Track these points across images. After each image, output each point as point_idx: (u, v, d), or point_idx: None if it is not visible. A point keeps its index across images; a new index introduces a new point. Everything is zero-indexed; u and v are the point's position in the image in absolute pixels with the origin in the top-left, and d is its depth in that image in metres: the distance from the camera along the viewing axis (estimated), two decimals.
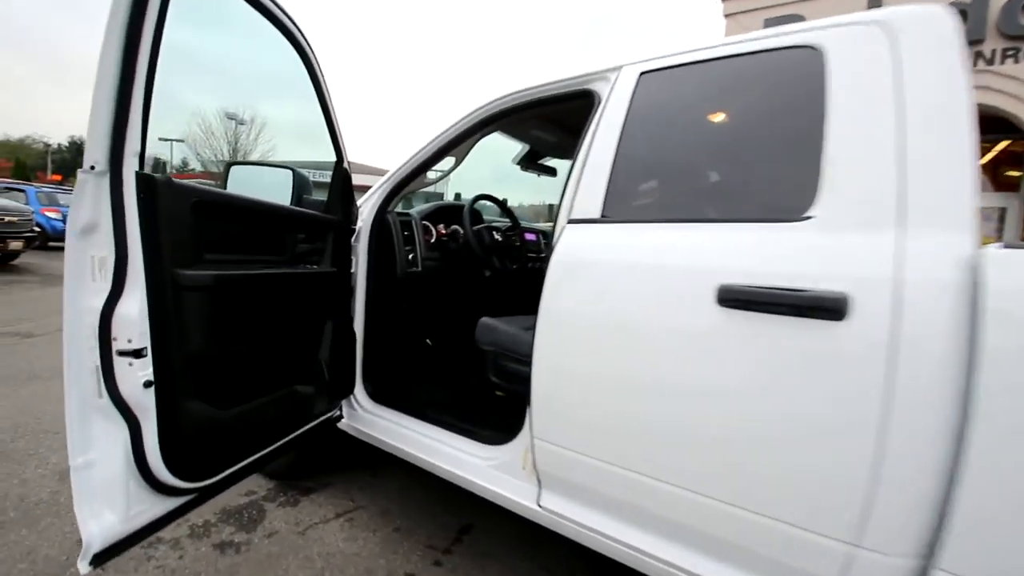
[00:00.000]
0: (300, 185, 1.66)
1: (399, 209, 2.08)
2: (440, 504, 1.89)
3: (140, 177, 0.97)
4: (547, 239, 2.77)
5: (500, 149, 2.37)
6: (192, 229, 1.08)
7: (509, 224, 2.51)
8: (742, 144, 1.14)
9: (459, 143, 1.68)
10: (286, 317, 1.39)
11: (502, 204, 2.46)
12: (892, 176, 0.89)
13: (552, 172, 2.55)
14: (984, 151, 6.73)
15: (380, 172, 1.94)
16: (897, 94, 0.92)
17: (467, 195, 2.52)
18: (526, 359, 1.26)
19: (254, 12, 1.30)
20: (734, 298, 0.95)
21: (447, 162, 1.92)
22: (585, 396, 1.16)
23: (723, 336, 0.97)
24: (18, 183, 11.36)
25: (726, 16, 7.38)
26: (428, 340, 2.37)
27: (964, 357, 0.78)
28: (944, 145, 0.88)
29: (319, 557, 1.59)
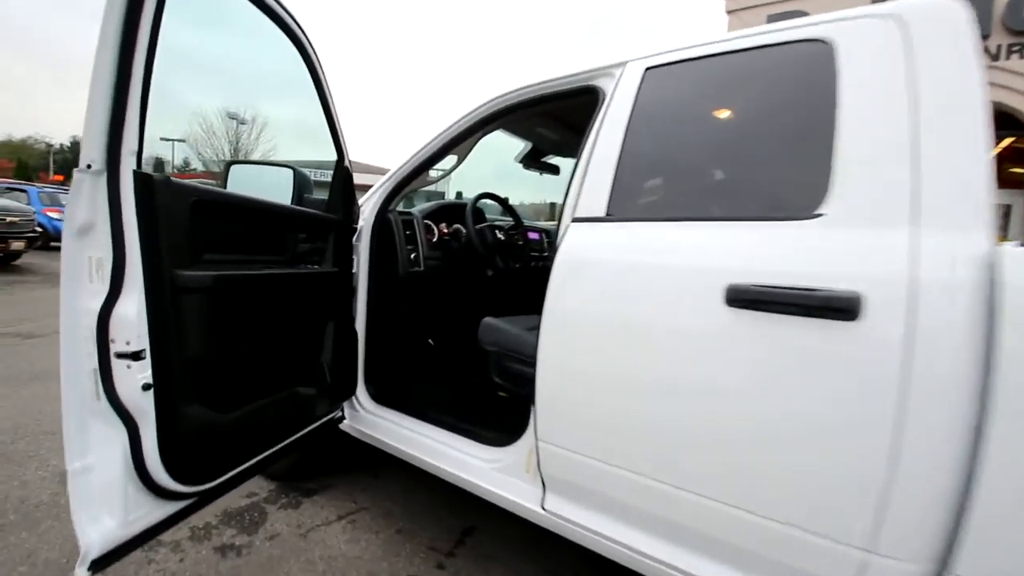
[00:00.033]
0: (301, 184, 1.64)
1: (401, 208, 2.06)
2: (443, 506, 1.87)
3: (138, 176, 0.95)
4: (550, 238, 2.75)
5: (501, 147, 2.35)
6: (191, 229, 1.06)
7: (512, 223, 2.49)
8: (749, 140, 1.12)
9: (461, 141, 1.66)
10: (287, 318, 1.37)
11: (505, 203, 2.44)
12: (905, 172, 0.87)
13: (555, 170, 2.53)
14: None
15: (381, 171, 1.93)
16: (910, 88, 0.90)
17: (468, 194, 2.51)
18: (530, 360, 1.24)
19: (254, 10, 1.28)
20: (743, 298, 0.93)
21: (449, 160, 1.90)
22: (590, 398, 1.14)
23: (731, 337, 0.95)
24: (20, 183, 11.37)
25: (728, 13, 7.35)
26: (430, 340, 2.35)
27: (981, 358, 0.76)
28: (958, 140, 0.85)
29: (321, 560, 1.57)
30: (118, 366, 0.95)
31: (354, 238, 1.71)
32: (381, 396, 1.79)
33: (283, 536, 1.68)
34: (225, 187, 1.60)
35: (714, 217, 1.07)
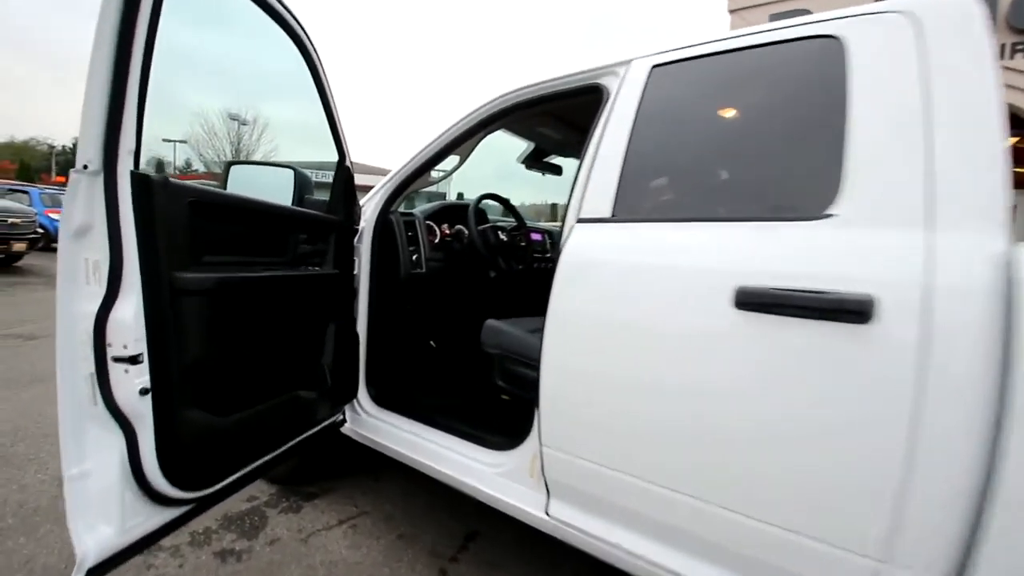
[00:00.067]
0: (302, 185, 1.62)
1: (402, 209, 2.04)
2: (445, 509, 1.85)
3: (136, 177, 0.93)
4: (552, 239, 2.73)
5: (502, 148, 2.33)
6: (190, 230, 1.04)
7: (514, 224, 2.47)
8: (758, 140, 1.10)
9: (463, 141, 1.65)
10: (287, 320, 1.35)
11: (507, 203, 2.42)
12: (919, 172, 0.85)
13: (557, 170, 2.51)
14: None
15: (382, 172, 1.91)
16: (923, 86, 0.88)
17: (469, 194, 2.49)
18: (533, 363, 1.23)
19: (255, 10, 1.27)
20: (752, 300, 0.91)
21: (451, 161, 1.88)
22: (595, 402, 1.12)
23: (739, 340, 0.93)
24: (22, 184, 11.39)
25: (731, 12, 7.32)
26: (432, 342, 2.34)
27: (999, 361, 0.74)
28: (973, 139, 0.83)
29: (322, 566, 1.56)
30: (115, 370, 0.94)
31: (355, 239, 1.69)
32: (383, 399, 1.77)
33: (284, 541, 1.66)
34: (225, 188, 1.59)
35: (722, 218, 1.05)
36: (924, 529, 0.79)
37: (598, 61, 1.34)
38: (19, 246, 7.63)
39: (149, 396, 0.97)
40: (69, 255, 0.92)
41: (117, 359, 0.93)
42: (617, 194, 1.16)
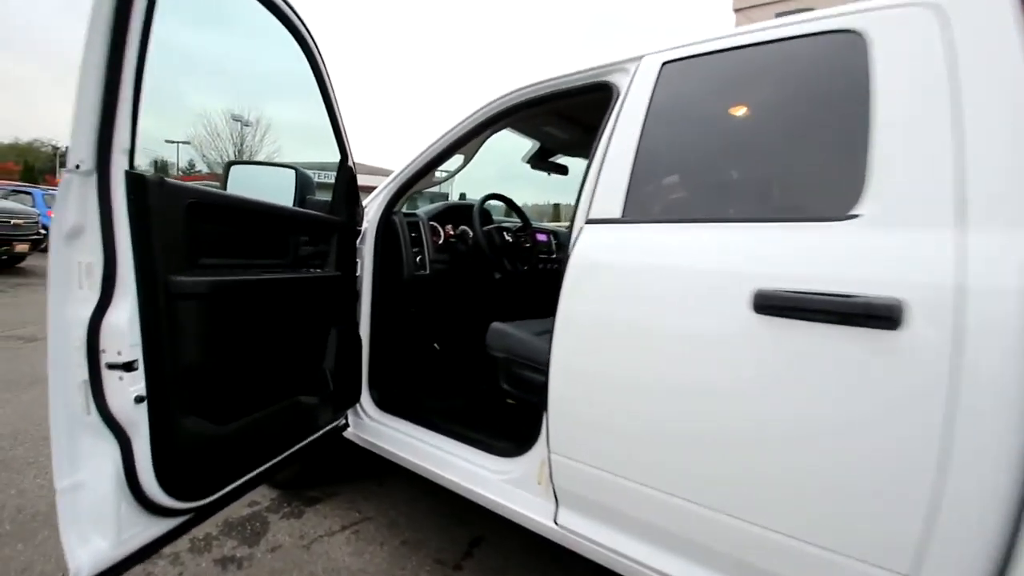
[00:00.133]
0: (303, 185, 1.59)
1: (405, 210, 2.01)
2: (450, 515, 1.82)
3: (130, 176, 0.90)
4: (558, 239, 2.69)
5: (504, 148, 2.30)
6: (187, 232, 1.01)
7: (519, 224, 2.43)
8: (774, 138, 1.06)
9: (468, 140, 1.61)
10: (288, 324, 1.32)
11: (512, 204, 2.39)
12: (948, 170, 0.81)
13: (563, 170, 2.47)
14: None
15: (385, 172, 1.88)
16: (951, 80, 0.84)
17: (472, 195, 2.46)
18: (541, 367, 1.19)
19: (257, 10, 1.24)
20: (771, 304, 0.88)
21: (455, 161, 1.85)
22: (607, 409, 1.08)
23: (758, 345, 0.89)
24: (25, 186, 11.40)
25: (736, 11, 7.27)
26: (436, 345, 2.30)
27: None
28: (1005, 134, 0.79)
29: (324, 573, 1.52)
30: (109, 378, 0.90)
31: (358, 241, 1.66)
32: (386, 403, 1.74)
33: (285, 547, 1.63)
34: (225, 188, 1.56)
35: (737, 219, 1.01)
36: (958, 544, 0.75)
37: (607, 58, 1.30)
38: (22, 247, 7.62)
39: (144, 404, 0.93)
40: (61, 258, 0.89)
41: (111, 366, 0.90)
42: (627, 194, 1.13)
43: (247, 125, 28.97)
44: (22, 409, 2.60)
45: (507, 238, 2.25)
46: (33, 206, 9.00)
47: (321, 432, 1.50)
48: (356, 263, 1.64)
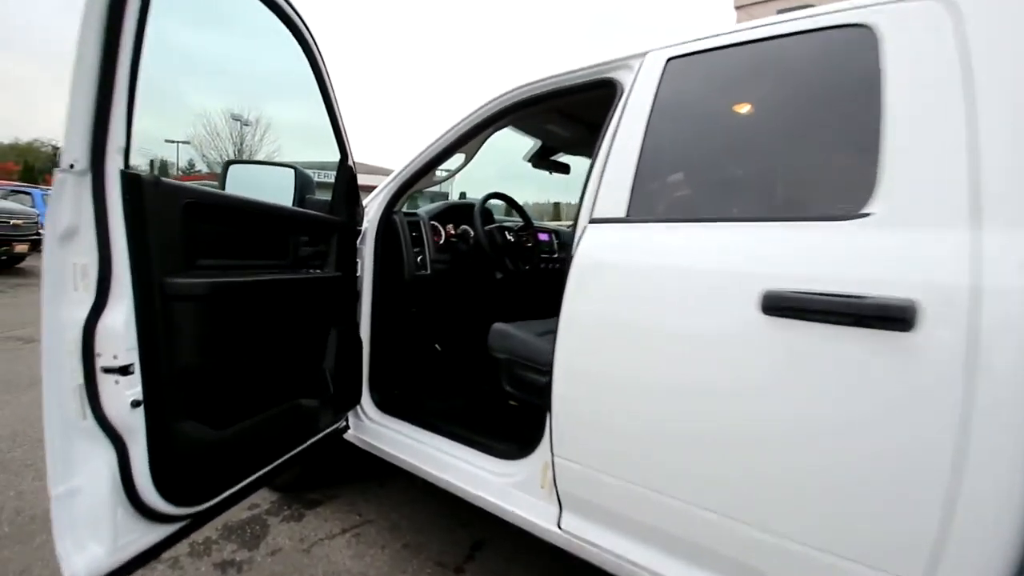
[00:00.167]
0: (303, 185, 1.57)
1: (406, 209, 1.99)
2: (451, 517, 1.80)
3: (125, 176, 0.88)
4: (560, 239, 2.67)
5: (504, 146, 2.28)
6: (184, 233, 0.99)
7: (521, 224, 2.41)
8: (781, 135, 1.04)
9: (469, 139, 1.60)
10: (288, 326, 1.30)
11: (514, 203, 2.37)
12: (962, 167, 0.79)
13: (565, 169, 2.45)
14: None
15: (385, 171, 1.87)
16: (965, 76, 0.82)
17: (472, 194, 2.44)
18: (544, 368, 1.17)
19: (256, 9, 1.22)
20: (781, 305, 0.86)
21: (455, 160, 1.83)
22: (612, 411, 1.07)
23: (767, 346, 0.87)
24: (25, 186, 11.38)
25: (737, 8, 7.24)
26: (437, 346, 2.28)
27: None
28: (1020, 131, 0.77)
29: None
30: (105, 382, 0.88)
31: (358, 241, 1.64)
32: (386, 405, 1.72)
33: (285, 551, 1.62)
34: (223, 188, 1.54)
35: (744, 218, 0.99)
36: (973, 547, 0.73)
37: (610, 55, 1.28)
38: (21, 247, 7.61)
39: (141, 408, 0.91)
40: (55, 259, 0.87)
41: (107, 370, 0.88)
42: (632, 193, 1.11)
43: (247, 124, 28.92)
44: (21, 411, 2.58)
45: (509, 237, 2.23)
46: (32, 206, 8.98)
47: (321, 435, 1.48)
48: (356, 263, 1.62)
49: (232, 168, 1.58)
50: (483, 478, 1.37)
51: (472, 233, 2.16)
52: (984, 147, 0.78)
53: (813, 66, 1.00)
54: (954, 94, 0.82)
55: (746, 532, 0.90)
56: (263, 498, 1.89)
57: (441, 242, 2.10)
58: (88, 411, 0.88)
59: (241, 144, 28.71)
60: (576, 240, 1.15)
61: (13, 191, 9.90)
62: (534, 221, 2.55)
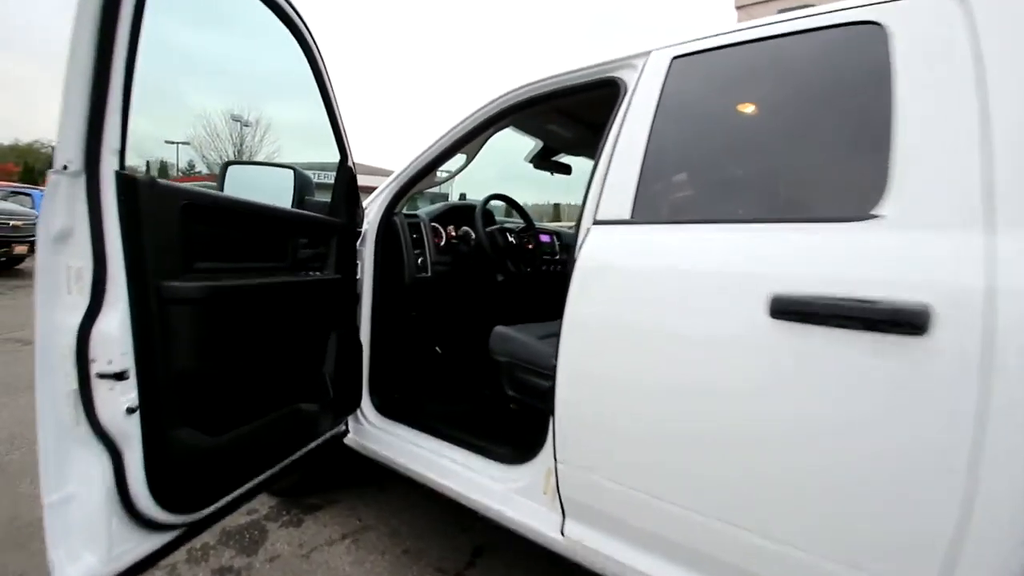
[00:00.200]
0: (302, 186, 1.55)
1: (406, 211, 1.97)
2: (452, 522, 1.78)
3: (120, 178, 0.86)
4: (561, 240, 2.65)
5: (504, 147, 2.26)
6: (181, 235, 0.97)
7: (522, 225, 2.40)
8: (789, 135, 1.02)
9: (471, 139, 1.58)
10: (287, 330, 1.28)
11: (516, 204, 2.35)
12: (975, 167, 0.77)
13: (567, 170, 2.43)
14: None
15: (386, 172, 1.85)
16: (977, 74, 0.80)
17: (471, 195, 2.42)
18: (546, 372, 1.15)
19: (256, 9, 1.20)
20: (790, 309, 0.84)
21: (456, 160, 1.81)
22: (617, 417, 1.05)
23: (775, 351, 0.85)
24: (24, 187, 11.34)
25: (738, 8, 7.23)
26: (438, 349, 2.26)
27: None
28: None
29: None
30: (100, 388, 0.86)
31: (358, 243, 1.62)
32: (387, 408, 1.70)
33: (284, 557, 1.60)
34: (222, 189, 1.52)
35: (752, 219, 0.97)
36: (989, 555, 0.71)
37: (613, 54, 1.27)
38: (20, 249, 7.59)
39: (136, 415, 0.90)
40: (49, 262, 0.85)
41: (101, 375, 0.86)
42: (637, 195, 1.09)
43: (247, 125, 28.89)
44: (19, 413, 2.57)
45: (510, 239, 2.21)
46: (32, 207, 8.97)
47: (321, 439, 1.46)
48: (356, 265, 1.60)
49: (231, 169, 1.56)
50: (484, 484, 1.35)
51: (473, 235, 2.14)
52: (998, 146, 0.76)
53: (822, 64, 0.98)
54: (967, 92, 0.80)
55: (759, 543, 0.88)
56: (262, 503, 1.87)
57: (442, 244, 2.08)
58: (82, 418, 0.86)
59: (241, 145, 28.71)
60: (579, 242, 1.13)
61: (13, 192, 9.88)
62: (538, 223, 2.53)
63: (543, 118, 1.98)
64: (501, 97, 1.45)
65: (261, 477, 1.22)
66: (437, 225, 2.11)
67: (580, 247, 1.12)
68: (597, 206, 1.14)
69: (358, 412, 1.67)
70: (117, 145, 0.86)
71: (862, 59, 0.92)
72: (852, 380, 0.79)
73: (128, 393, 0.88)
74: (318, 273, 1.44)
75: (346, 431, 1.66)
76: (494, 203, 2.31)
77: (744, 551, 0.90)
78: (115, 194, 0.86)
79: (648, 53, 1.18)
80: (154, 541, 0.99)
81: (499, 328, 1.59)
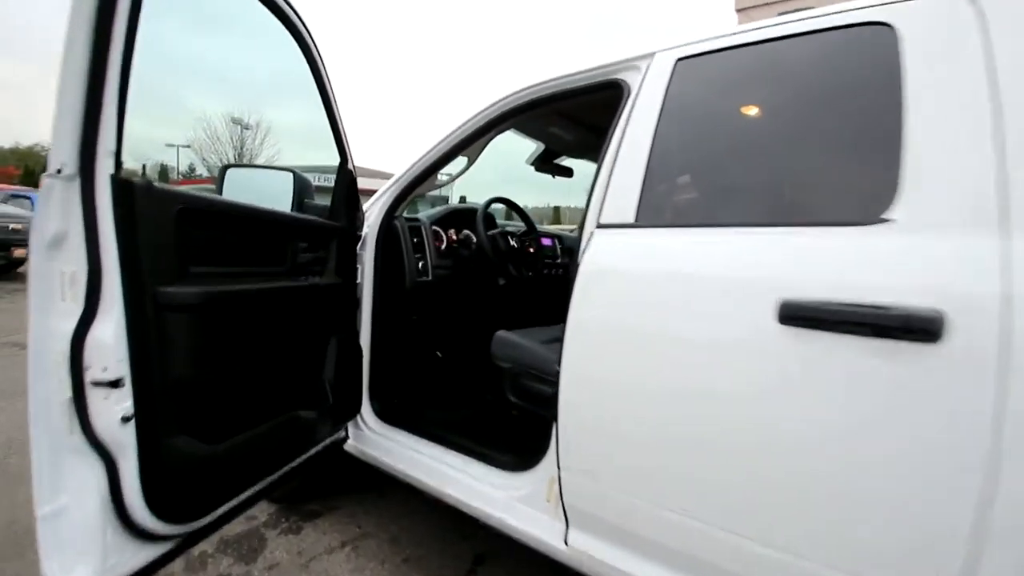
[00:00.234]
0: (301, 189, 1.53)
1: (407, 214, 1.96)
2: (453, 530, 1.75)
3: (116, 181, 0.84)
4: (563, 243, 2.64)
5: (505, 149, 2.25)
6: (177, 240, 0.95)
7: (524, 228, 2.38)
8: (799, 138, 1.00)
9: (472, 142, 1.56)
10: (285, 335, 1.26)
11: (517, 208, 2.34)
12: (990, 170, 0.75)
13: (569, 172, 2.42)
14: None
15: (386, 175, 1.84)
16: (989, 74, 0.78)
17: (471, 197, 2.41)
18: (549, 378, 1.13)
19: (255, 11, 1.19)
20: (799, 315, 0.82)
21: (457, 163, 1.80)
22: (622, 423, 1.03)
23: (785, 357, 0.84)
24: (24, 190, 11.33)
25: (738, 11, 7.24)
26: (439, 353, 2.24)
27: None
28: None
29: None
30: (94, 396, 0.85)
31: (358, 247, 1.60)
32: (387, 414, 1.68)
33: (283, 566, 1.57)
34: (221, 193, 1.50)
35: (759, 223, 0.95)
36: (1008, 567, 0.69)
37: (616, 55, 1.25)
38: (20, 252, 7.58)
39: (132, 424, 0.88)
40: (42, 268, 0.83)
41: (96, 383, 0.84)
42: (641, 198, 1.07)
43: (247, 128, 28.93)
44: (17, 418, 2.55)
45: (512, 243, 2.19)
46: (32, 211, 8.95)
47: (320, 446, 1.44)
48: (356, 270, 1.59)
49: (230, 172, 1.55)
50: (486, 491, 1.33)
51: (474, 238, 2.13)
52: (1011, 147, 0.74)
53: (830, 66, 0.97)
54: (979, 93, 0.78)
55: (768, 555, 0.86)
56: (261, 510, 1.85)
57: (443, 248, 2.07)
58: (76, 427, 0.85)
59: (241, 148, 28.73)
60: (583, 246, 1.12)
61: (13, 195, 9.87)
62: (539, 226, 2.52)
63: (545, 120, 1.97)
64: (503, 99, 1.43)
65: (259, 485, 1.20)
66: (438, 229, 2.09)
67: (583, 251, 1.10)
68: (600, 210, 1.12)
69: (358, 418, 1.65)
70: (113, 147, 0.84)
71: (871, 60, 0.90)
72: (862, 388, 0.78)
73: (123, 402, 0.86)
74: (318, 278, 1.42)
75: (346, 437, 1.64)
76: (495, 206, 2.30)
77: (754, 563, 0.88)
78: (110, 198, 0.84)
79: (652, 55, 1.17)
80: (150, 552, 0.97)
81: (501, 333, 1.57)
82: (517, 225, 2.48)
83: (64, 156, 0.80)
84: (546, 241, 2.50)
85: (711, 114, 1.11)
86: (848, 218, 0.86)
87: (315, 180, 1.70)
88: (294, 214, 1.46)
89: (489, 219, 2.19)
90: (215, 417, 1.07)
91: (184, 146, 28.77)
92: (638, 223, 1.06)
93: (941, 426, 0.72)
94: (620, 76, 1.22)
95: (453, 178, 1.95)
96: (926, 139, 0.81)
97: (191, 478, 1.01)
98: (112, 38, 0.81)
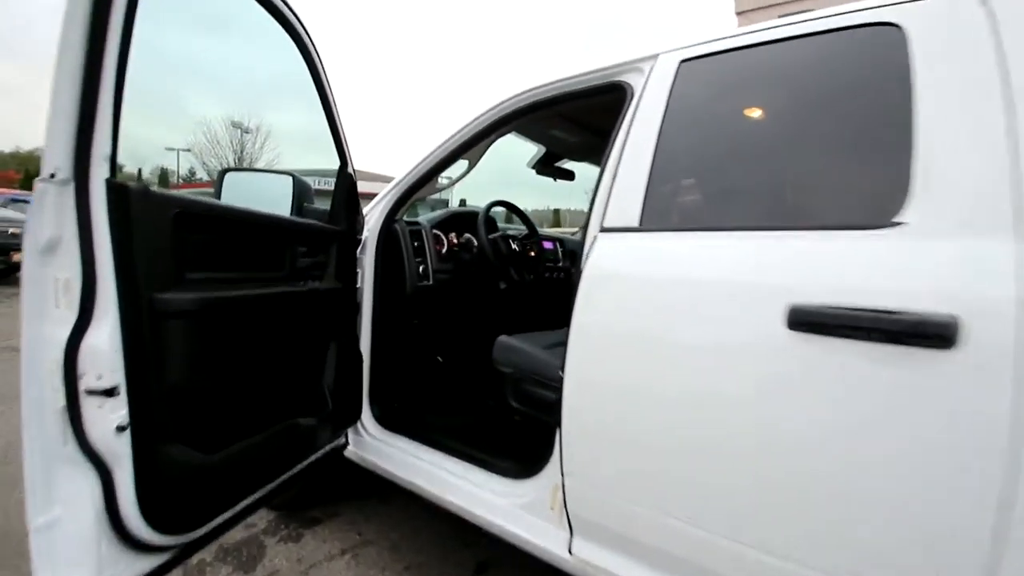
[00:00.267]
0: (301, 193, 1.52)
1: (407, 218, 1.94)
2: (454, 537, 1.73)
3: (111, 186, 0.83)
4: (564, 247, 2.62)
5: (505, 152, 2.24)
6: (174, 245, 0.94)
7: (525, 232, 2.37)
8: (806, 140, 0.99)
9: (473, 144, 1.55)
10: (284, 341, 1.24)
11: (519, 211, 2.32)
12: (1004, 172, 0.74)
13: (570, 176, 2.40)
14: None
15: (386, 179, 1.83)
16: (1002, 75, 0.77)
17: (471, 200, 2.39)
18: (552, 383, 1.12)
19: (254, 11, 1.17)
20: (809, 321, 0.80)
21: (458, 166, 1.78)
22: (627, 430, 1.01)
23: (794, 364, 0.82)
24: (24, 194, 11.33)
25: (738, 14, 7.24)
26: (440, 358, 2.23)
27: None
28: None
29: None
30: (88, 405, 0.83)
31: (358, 251, 1.59)
32: (387, 420, 1.66)
33: (283, 573, 1.55)
34: (219, 197, 1.49)
35: (766, 227, 0.94)
36: None
37: (619, 57, 1.24)
38: (19, 256, 7.56)
39: (127, 433, 0.86)
40: (36, 274, 0.82)
41: (90, 392, 0.82)
42: (645, 201, 1.06)
43: (247, 132, 28.93)
44: (15, 422, 2.52)
45: (513, 246, 2.18)
46: None
47: (320, 453, 1.42)
48: (356, 274, 1.57)
49: (228, 176, 1.53)
50: (488, 499, 1.31)
51: (475, 242, 2.11)
52: (1023, 151, 0.73)
53: (838, 67, 0.95)
54: (990, 94, 0.77)
55: (782, 568, 0.84)
56: (260, 517, 1.83)
57: (443, 251, 2.05)
58: (70, 436, 0.83)
59: (241, 152, 28.72)
60: (586, 250, 1.10)
61: (12, 200, 9.86)
62: (540, 229, 2.50)
63: (546, 123, 1.96)
64: (504, 102, 1.42)
65: (258, 494, 1.18)
66: (439, 232, 2.08)
67: (587, 255, 1.09)
68: (604, 213, 1.11)
69: (358, 424, 1.64)
70: (108, 151, 0.82)
71: (880, 61, 0.89)
72: (875, 395, 0.76)
73: (118, 410, 0.85)
74: (317, 282, 1.40)
75: (346, 443, 1.62)
76: (495, 209, 2.28)
77: (766, 573, 0.86)
78: (105, 203, 0.82)
79: (655, 56, 1.15)
80: (145, 564, 0.95)
81: (503, 338, 1.56)
82: (518, 228, 2.46)
83: (58, 160, 0.78)
84: (547, 244, 2.48)
85: (716, 116, 1.09)
86: (858, 221, 0.84)
87: (315, 184, 1.68)
88: (293, 218, 1.44)
89: (490, 222, 2.18)
90: (212, 426, 1.05)
91: (184, 150, 28.80)
92: (642, 227, 1.05)
93: (957, 434, 0.70)
94: (623, 78, 1.21)
95: (454, 181, 1.93)
96: (937, 141, 0.79)
97: (188, 488, 0.99)
98: (107, 39, 0.79)
